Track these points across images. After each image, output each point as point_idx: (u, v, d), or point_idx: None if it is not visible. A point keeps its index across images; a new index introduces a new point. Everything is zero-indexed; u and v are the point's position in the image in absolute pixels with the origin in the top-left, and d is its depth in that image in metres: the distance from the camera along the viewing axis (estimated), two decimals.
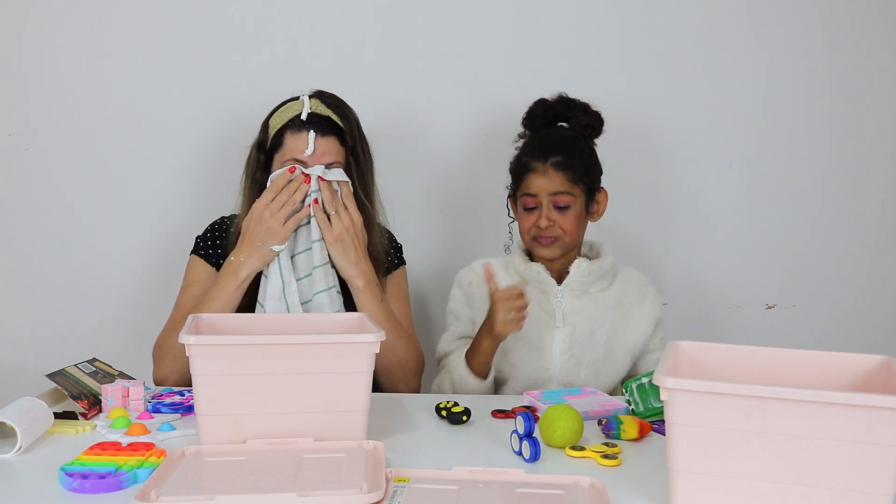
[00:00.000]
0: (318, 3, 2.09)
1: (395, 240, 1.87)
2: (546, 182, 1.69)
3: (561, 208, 1.69)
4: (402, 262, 1.86)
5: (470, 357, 1.65)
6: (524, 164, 1.72)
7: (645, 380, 1.48)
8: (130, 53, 2.07)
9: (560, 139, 1.73)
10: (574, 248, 1.75)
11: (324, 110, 1.69)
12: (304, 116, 1.67)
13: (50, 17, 2.05)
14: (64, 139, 2.08)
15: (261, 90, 2.07)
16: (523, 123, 1.80)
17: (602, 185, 1.78)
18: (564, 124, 1.77)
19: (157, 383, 1.67)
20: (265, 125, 1.74)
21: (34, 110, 2.07)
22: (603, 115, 1.77)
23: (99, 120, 2.08)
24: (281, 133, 1.69)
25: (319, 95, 1.72)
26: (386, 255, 1.80)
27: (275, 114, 1.73)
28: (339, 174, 1.68)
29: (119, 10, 2.06)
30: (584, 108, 1.76)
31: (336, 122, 1.69)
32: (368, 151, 1.75)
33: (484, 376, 1.65)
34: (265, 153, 1.72)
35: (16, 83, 2.06)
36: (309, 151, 1.65)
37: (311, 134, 1.65)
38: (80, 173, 2.09)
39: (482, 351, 1.63)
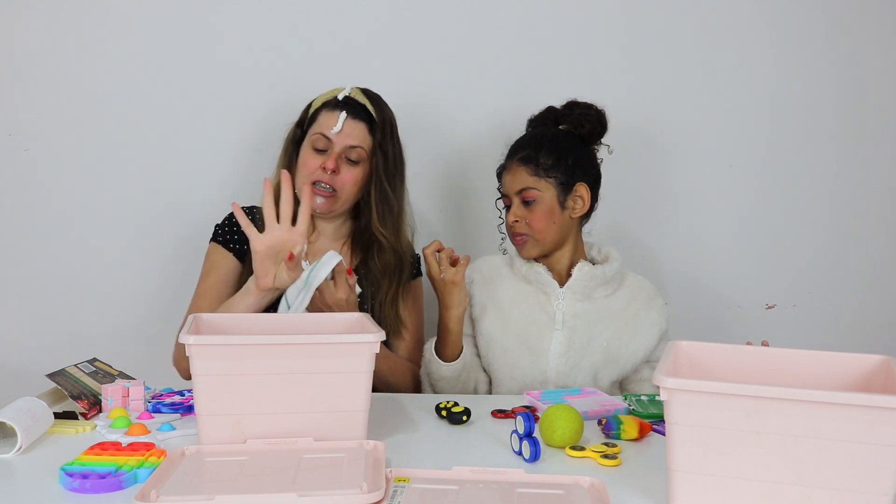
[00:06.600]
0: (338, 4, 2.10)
1: (414, 250, 1.89)
2: (511, 179, 1.71)
3: (527, 203, 1.69)
4: (419, 273, 1.88)
5: (438, 345, 1.68)
6: (501, 165, 1.76)
7: (644, 398, 1.50)
8: (131, 52, 2.07)
9: (535, 136, 1.73)
10: (558, 247, 1.73)
11: (361, 98, 1.76)
12: (340, 97, 1.75)
13: (50, 17, 2.05)
14: (64, 139, 2.08)
15: (262, 92, 2.08)
16: (527, 127, 1.80)
17: (601, 185, 1.76)
18: (562, 127, 1.75)
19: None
20: (307, 107, 1.80)
21: (34, 110, 2.07)
22: (607, 118, 1.76)
23: (99, 120, 2.08)
24: (318, 110, 1.76)
25: (363, 89, 1.79)
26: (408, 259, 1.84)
27: (318, 97, 1.80)
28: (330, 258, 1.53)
29: (120, 9, 2.06)
30: (585, 107, 1.74)
31: (369, 111, 1.74)
32: (399, 153, 1.78)
33: (452, 359, 1.66)
34: (301, 129, 1.79)
35: (16, 83, 2.06)
36: (336, 129, 1.71)
37: (343, 114, 1.72)
38: (80, 173, 2.09)
39: (443, 335, 1.65)
